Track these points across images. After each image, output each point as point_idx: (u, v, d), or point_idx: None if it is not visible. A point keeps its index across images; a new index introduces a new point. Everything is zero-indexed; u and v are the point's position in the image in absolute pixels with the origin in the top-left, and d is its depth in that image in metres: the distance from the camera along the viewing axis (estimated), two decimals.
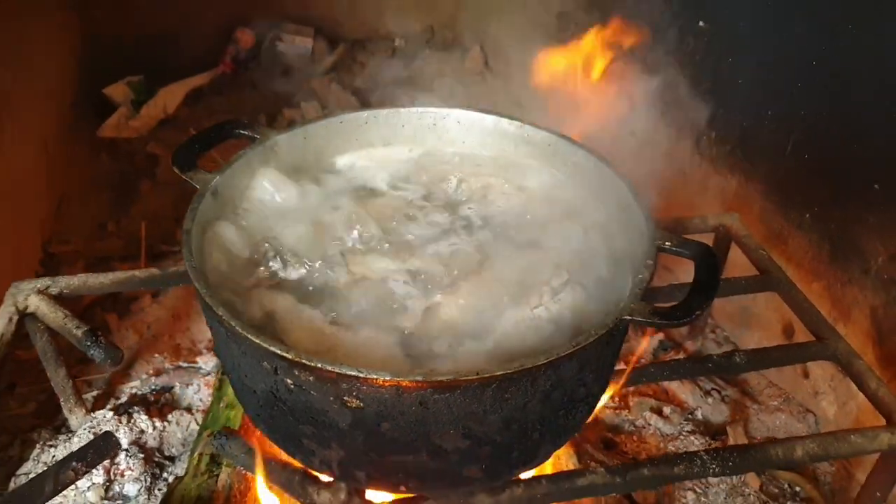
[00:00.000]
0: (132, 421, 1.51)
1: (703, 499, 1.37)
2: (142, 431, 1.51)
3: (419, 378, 0.74)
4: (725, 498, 1.38)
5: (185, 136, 2.58)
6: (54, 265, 2.04)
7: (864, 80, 1.29)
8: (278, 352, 0.75)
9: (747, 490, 1.39)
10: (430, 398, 0.75)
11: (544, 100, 1.52)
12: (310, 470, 0.97)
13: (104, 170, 2.51)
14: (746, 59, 1.60)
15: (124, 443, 1.47)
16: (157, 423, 1.53)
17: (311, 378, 0.76)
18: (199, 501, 1.06)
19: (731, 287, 1.39)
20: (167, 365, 1.71)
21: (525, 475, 0.98)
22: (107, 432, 1.11)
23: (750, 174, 1.63)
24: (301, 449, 0.89)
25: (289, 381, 0.78)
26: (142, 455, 1.46)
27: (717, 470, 1.00)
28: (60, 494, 1.14)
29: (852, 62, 1.31)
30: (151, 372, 1.69)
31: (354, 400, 0.76)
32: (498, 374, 0.75)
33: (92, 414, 1.51)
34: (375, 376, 0.73)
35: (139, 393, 1.61)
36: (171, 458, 1.48)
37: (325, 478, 0.96)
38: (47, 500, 0.98)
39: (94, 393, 1.61)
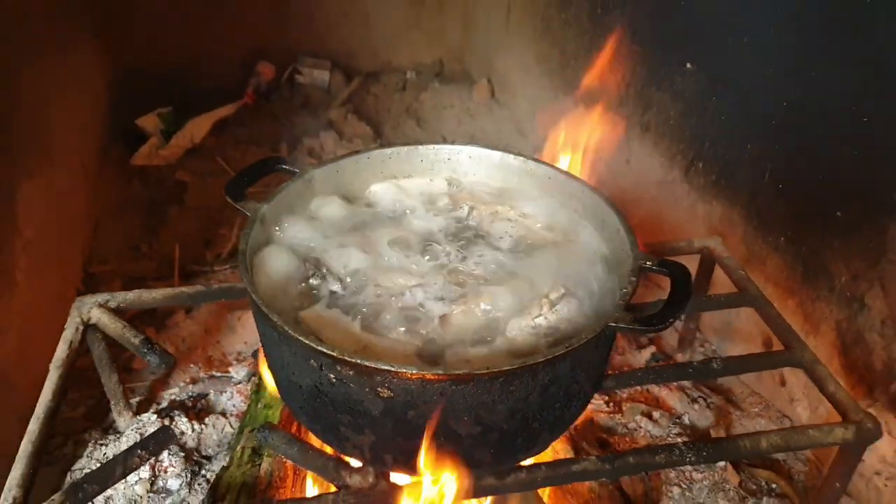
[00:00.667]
0: (173, 423, 1.67)
1: (687, 493, 1.53)
2: (182, 433, 1.67)
3: (440, 372, 0.90)
4: (708, 493, 1.53)
5: (212, 163, 2.81)
6: (94, 284, 2.22)
7: (825, 121, 1.47)
8: (325, 351, 0.92)
9: (728, 486, 1.54)
10: (449, 389, 0.92)
11: (546, 128, 1.70)
12: (342, 456, 1.13)
13: (136, 195, 2.70)
14: (728, 98, 1.77)
15: None
16: (196, 426, 1.69)
17: (350, 372, 0.93)
18: (244, 486, 1.22)
19: (714, 303, 1.56)
20: (202, 374, 1.88)
21: (527, 462, 1.14)
22: (164, 426, 1.28)
23: (733, 201, 1.80)
24: (338, 436, 1.05)
25: (332, 375, 0.95)
26: (182, 454, 1.62)
27: (692, 458, 1.15)
28: (112, 487, 1.31)
29: (816, 105, 1.49)
30: (188, 380, 1.85)
31: (386, 391, 0.93)
32: (505, 369, 0.91)
33: (137, 417, 1.68)
34: (405, 370, 0.90)
35: (178, 399, 1.78)
36: (209, 458, 1.64)
37: (355, 463, 1.12)
38: (117, 482, 1.15)
39: (138, 399, 1.77)
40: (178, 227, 2.51)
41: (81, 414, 1.73)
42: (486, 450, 1.03)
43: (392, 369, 0.90)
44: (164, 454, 1.62)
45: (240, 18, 3.17)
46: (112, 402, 1.64)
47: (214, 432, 1.70)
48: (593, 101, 1.92)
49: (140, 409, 1.73)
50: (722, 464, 1.57)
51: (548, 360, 0.93)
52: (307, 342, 0.93)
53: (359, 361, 0.91)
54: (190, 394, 1.80)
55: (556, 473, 1.12)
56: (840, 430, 1.20)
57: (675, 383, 1.77)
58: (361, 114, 3.20)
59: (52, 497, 1.06)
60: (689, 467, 1.56)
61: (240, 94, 3.17)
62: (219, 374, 1.88)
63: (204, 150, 2.89)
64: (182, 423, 1.68)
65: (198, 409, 1.76)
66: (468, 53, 3.59)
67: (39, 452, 1.16)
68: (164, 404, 1.76)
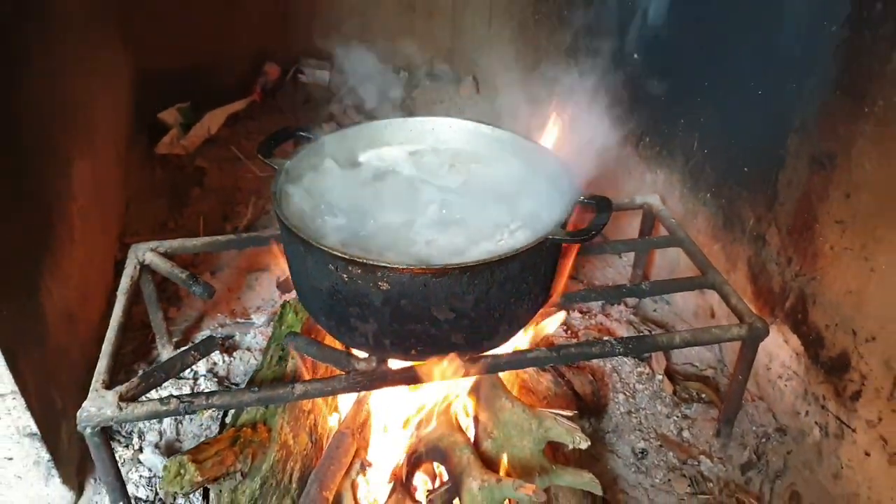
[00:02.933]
0: (206, 357, 2.01)
1: (630, 400, 1.87)
2: (214, 363, 2.02)
3: (423, 266, 1.25)
4: (648, 400, 1.88)
5: (227, 151, 3.16)
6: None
7: (734, 94, 1.83)
8: (341, 254, 1.26)
9: (664, 394, 1.89)
10: (430, 281, 1.26)
11: (523, 119, 2.05)
12: (351, 350, 1.48)
13: (160, 181, 3.03)
14: (665, 78, 2.13)
15: (202, 370, 1.99)
16: (226, 358, 2.04)
17: (359, 271, 1.27)
18: (273, 380, 1.56)
19: (649, 244, 1.93)
20: (227, 321, 2.23)
21: (492, 352, 1.48)
22: (210, 336, 1.63)
23: (671, 168, 2.16)
24: (349, 328, 1.39)
25: (344, 275, 1.29)
26: (215, 380, 1.97)
27: (621, 350, 1.50)
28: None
29: (728, 82, 1.85)
30: (216, 325, 2.20)
31: (385, 284, 1.27)
32: (470, 264, 1.26)
33: (176, 350, 2.02)
34: (398, 266, 1.24)
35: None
36: (237, 384, 1.99)
37: (361, 355, 1.46)
38: (178, 373, 1.49)
39: (176, 339, 2.11)
40: (199, 206, 2.85)
41: (131, 350, 2.07)
42: (459, 335, 1.37)
43: (389, 265, 1.24)
44: (201, 379, 1.96)
45: (248, 25, 3.52)
46: (157, 337, 1.98)
47: (241, 364, 2.05)
48: (561, 89, 2.29)
49: (179, 345, 2.07)
50: (660, 376, 1.92)
51: (502, 259, 1.27)
52: (327, 248, 1.27)
53: (366, 261, 1.25)
54: (219, 335, 2.14)
55: (515, 359, 1.47)
56: (736, 329, 1.55)
57: (625, 319, 2.12)
58: (360, 108, 3.55)
59: (132, 379, 1.41)
60: (633, 380, 1.91)
61: (249, 91, 3.52)
62: (243, 321, 2.22)
63: (219, 140, 3.25)
64: (215, 356, 2.03)
65: (226, 346, 2.10)
66: (455, 54, 3.95)
67: (116, 353, 1.50)
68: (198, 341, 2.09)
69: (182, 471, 1.28)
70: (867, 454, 1.52)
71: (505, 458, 1.45)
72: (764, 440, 1.77)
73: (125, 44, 3.08)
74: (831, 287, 1.58)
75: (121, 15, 3.05)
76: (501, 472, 1.42)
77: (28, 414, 1.40)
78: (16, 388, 1.36)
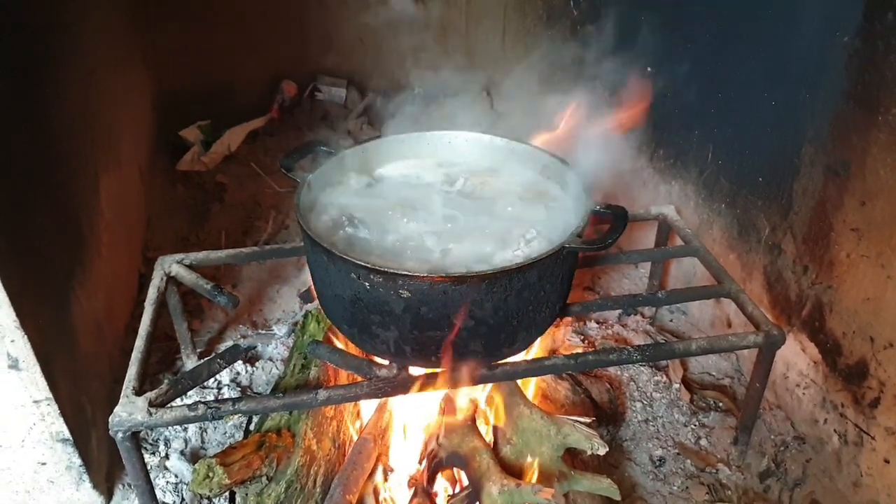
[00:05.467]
0: (231, 365, 2.05)
1: (648, 409, 1.89)
2: (237, 373, 2.06)
3: (443, 274, 1.28)
4: (665, 409, 1.89)
5: (247, 168, 3.23)
6: (152, 269, 2.61)
7: (745, 107, 1.85)
8: (363, 263, 1.30)
9: (682, 403, 1.90)
10: (450, 289, 1.29)
11: (537, 131, 2.08)
12: (373, 357, 1.51)
13: (181, 197, 3.10)
14: (678, 93, 2.16)
15: (226, 379, 2.03)
16: (249, 368, 2.08)
17: (380, 279, 1.31)
18: (297, 387, 1.60)
19: (667, 253, 1.96)
20: (250, 332, 2.27)
21: (510, 359, 1.51)
22: (235, 344, 1.67)
23: (686, 179, 2.18)
24: (370, 335, 1.42)
25: (366, 284, 1.33)
26: (238, 389, 2.00)
27: (637, 357, 1.52)
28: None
29: (738, 96, 1.88)
30: (239, 337, 2.24)
31: (406, 292, 1.31)
32: (489, 272, 1.29)
33: (200, 360, 2.06)
34: (420, 274, 1.28)
35: None
36: (259, 394, 2.02)
37: (382, 362, 1.49)
38: (205, 381, 1.53)
39: (200, 350, 2.15)
40: (220, 221, 2.91)
41: (155, 361, 2.11)
42: (478, 342, 1.40)
43: (410, 274, 1.28)
44: (225, 389, 2.00)
45: (266, 45, 3.60)
46: (182, 347, 2.02)
47: (263, 374, 2.08)
48: (574, 104, 2.33)
49: (203, 355, 2.11)
50: (677, 385, 1.93)
51: (520, 267, 1.30)
52: (350, 258, 1.31)
53: (387, 270, 1.29)
54: (242, 345, 2.18)
55: (534, 366, 1.50)
56: (752, 337, 1.57)
57: (642, 329, 2.14)
58: (375, 125, 3.61)
59: (160, 386, 1.45)
60: (650, 389, 1.92)
61: (267, 108, 3.60)
62: (264, 332, 2.26)
63: (239, 157, 3.32)
64: (238, 366, 2.07)
65: (249, 357, 2.14)
66: (470, 71, 4.01)
67: (145, 360, 1.54)
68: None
69: (211, 473, 1.32)
70: (886, 461, 1.53)
71: (531, 462, 1.47)
72: (782, 448, 1.77)
73: (147, 66, 3.17)
74: (848, 295, 1.59)
75: (143, 39, 3.14)
76: (524, 478, 1.44)
77: (61, 420, 1.44)
78: (50, 395, 1.41)
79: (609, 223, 1.44)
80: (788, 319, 1.79)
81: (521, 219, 1.58)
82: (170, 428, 1.86)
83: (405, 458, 1.58)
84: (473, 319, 1.35)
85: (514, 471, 1.48)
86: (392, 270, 1.29)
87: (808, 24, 1.62)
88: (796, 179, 1.70)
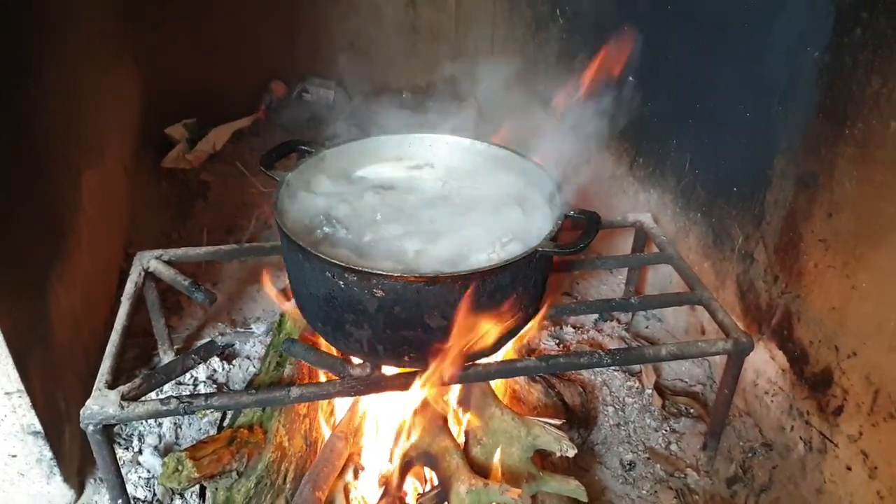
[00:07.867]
0: (208, 362, 2.06)
1: (620, 413, 1.91)
2: (214, 370, 2.06)
3: (416, 274, 1.30)
4: (637, 414, 1.92)
5: (231, 167, 3.23)
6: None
7: (721, 118, 1.89)
8: (337, 262, 1.31)
9: (653, 408, 1.92)
10: (423, 289, 1.31)
11: (521, 138, 2.11)
12: (346, 356, 1.52)
13: (165, 194, 3.10)
14: (657, 104, 2.20)
15: (202, 376, 2.03)
16: (225, 366, 2.08)
17: (354, 278, 1.32)
18: (271, 384, 1.61)
19: (641, 260, 1.98)
20: (228, 330, 2.27)
21: (483, 361, 1.52)
22: (211, 340, 1.67)
23: (664, 188, 2.21)
24: (344, 334, 1.44)
25: (341, 283, 1.34)
26: (214, 386, 2.01)
27: (608, 361, 1.54)
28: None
29: (720, 103, 1.91)
30: (217, 334, 2.24)
31: (380, 291, 1.32)
32: (462, 273, 1.31)
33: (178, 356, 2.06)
34: (393, 273, 1.29)
35: None
36: (232, 390, 2.03)
37: (356, 361, 1.51)
38: (179, 376, 1.54)
39: (177, 346, 2.16)
40: (203, 219, 2.92)
41: (132, 357, 2.11)
42: (451, 342, 1.41)
43: (384, 273, 1.29)
44: (201, 386, 2.01)
45: (255, 45, 3.60)
46: (159, 343, 2.03)
47: (240, 371, 2.09)
48: (559, 113, 2.35)
49: (180, 352, 2.11)
50: (649, 390, 1.95)
51: (492, 269, 1.32)
52: (324, 256, 1.32)
53: (362, 269, 1.30)
54: (220, 343, 2.18)
55: (505, 368, 1.51)
56: (721, 343, 1.59)
57: (617, 335, 2.16)
58: (363, 127, 3.62)
59: (133, 381, 1.45)
60: (623, 393, 1.95)
61: (255, 108, 3.61)
62: (243, 330, 2.27)
63: (224, 156, 3.32)
64: (214, 363, 2.07)
65: (226, 354, 2.15)
66: (458, 76, 4.03)
67: (119, 354, 1.55)
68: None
69: (180, 467, 1.32)
70: (849, 468, 1.56)
71: (496, 461, 1.48)
72: (750, 455, 1.80)
73: (138, 65, 3.17)
74: (815, 304, 1.63)
75: (133, 38, 3.14)
76: (491, 478, 1.45)
77: (33, 412, 1.45)
78: (22, 388, 1.41)
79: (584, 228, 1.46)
80: (759, 327, 1.82)
81: (498, 222, 1.60)
82: (144, 423, 1.86)
83: (376, 456, 1.59)
84: (446, 320, 1.37)
85: (484, 471, 1.49)
86: (366, 269, 1.30)
87: (782, 39, 1.65)
88: (769, 190, 1.73)
